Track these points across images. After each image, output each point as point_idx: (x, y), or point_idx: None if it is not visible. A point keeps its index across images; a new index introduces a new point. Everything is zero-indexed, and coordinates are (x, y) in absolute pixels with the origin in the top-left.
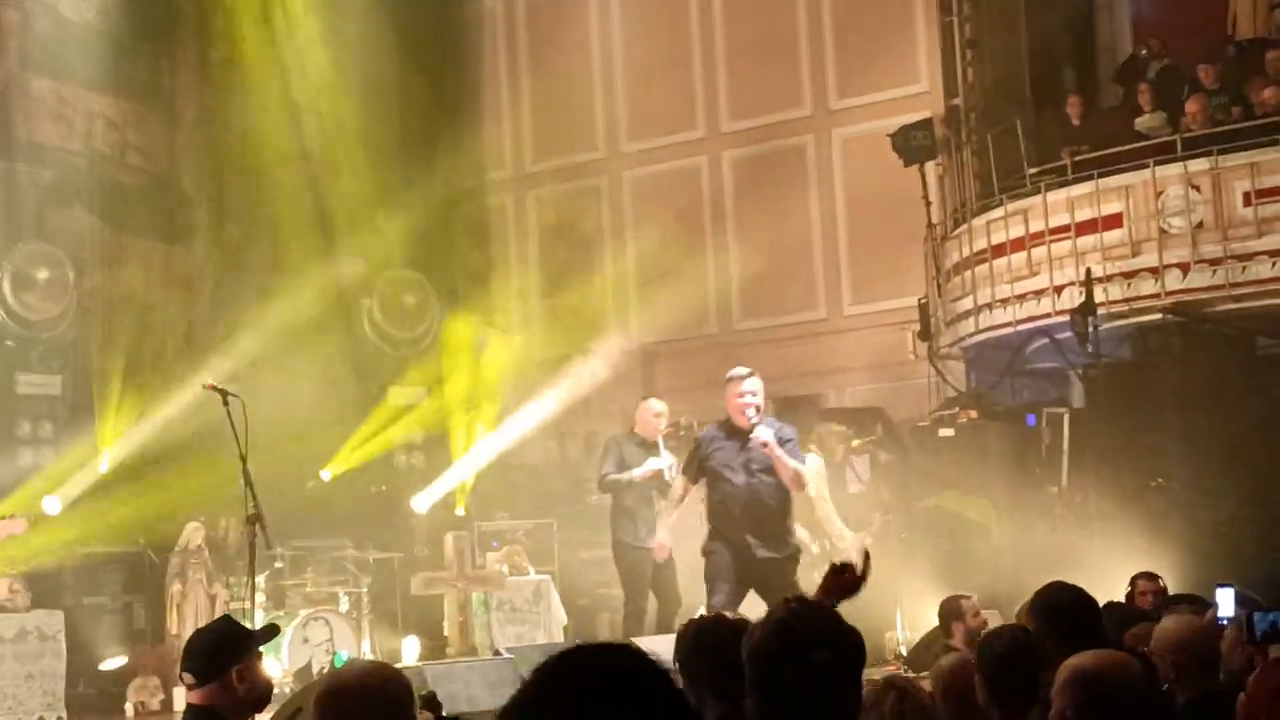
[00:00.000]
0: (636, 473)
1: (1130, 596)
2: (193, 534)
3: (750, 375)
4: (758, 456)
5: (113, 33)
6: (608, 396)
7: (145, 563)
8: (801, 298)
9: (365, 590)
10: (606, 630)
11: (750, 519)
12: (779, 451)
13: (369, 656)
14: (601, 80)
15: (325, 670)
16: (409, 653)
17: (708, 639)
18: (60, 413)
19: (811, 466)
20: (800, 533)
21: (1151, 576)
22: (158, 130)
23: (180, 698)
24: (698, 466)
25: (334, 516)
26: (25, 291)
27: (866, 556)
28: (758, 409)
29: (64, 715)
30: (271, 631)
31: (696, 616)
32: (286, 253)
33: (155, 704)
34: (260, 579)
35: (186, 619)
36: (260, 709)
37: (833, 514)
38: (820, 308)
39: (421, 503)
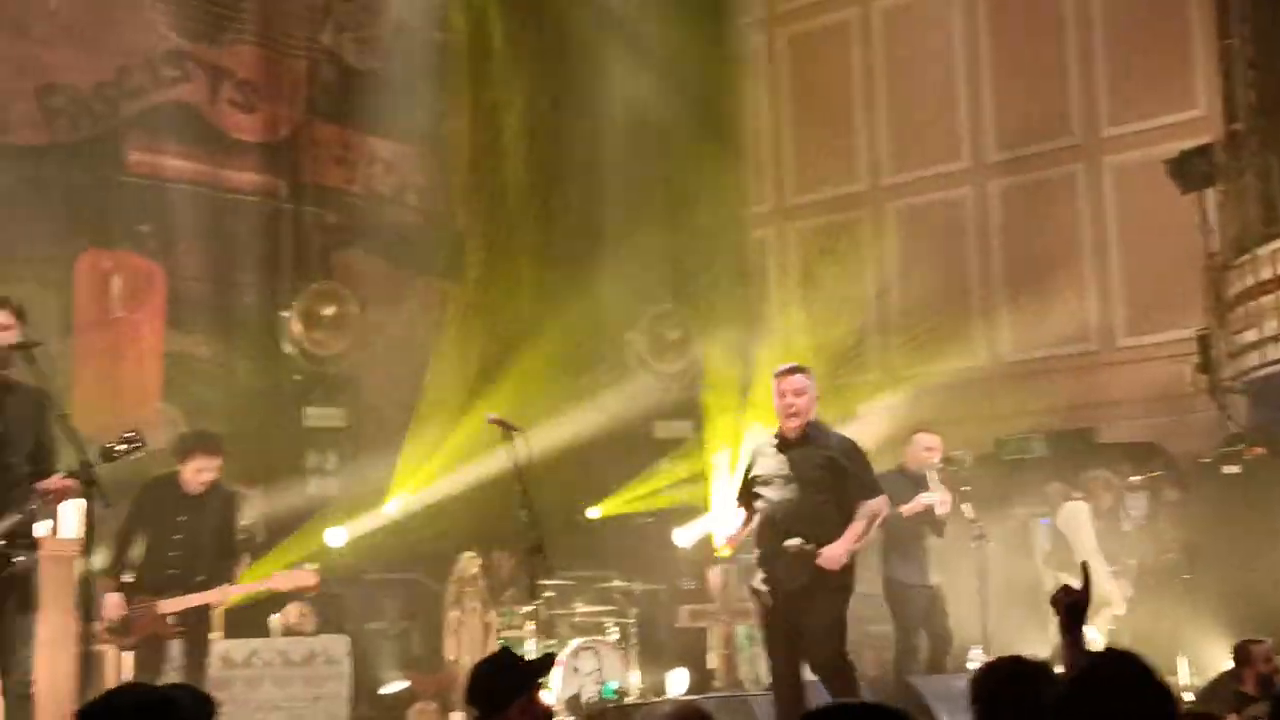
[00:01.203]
0: (906, 508)
1: None
2: (469, 563)
3: (792, 371)
4: (806, 462)
5: (392, 79)
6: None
7: (422, 590)
8: (1072, 330)
9: (632, 621)
10: (872, 667)
11: (785, 554)
12: (843, 546)
13: (638, 687)
14: (863, 112)
15: (594, 700)
16: (677, 685)
17: (1007, 682)
18: (344, 445)
19: (1075, 513)
20: (1059, 576)
21: None
22: (434, 171)
23: None
24: (745, 486)
25: (600, 547)
26: (313, 328)
27: (1086, 574)
28: (795, 413)
29: None
30: (548, 663)
31: (994, 658)
32: (555, 288)
33: None
34: (530, 607)
35: (463, 645)
36: None
37: (1098, 563)
38: (1091, 339)
39: (683, 537)
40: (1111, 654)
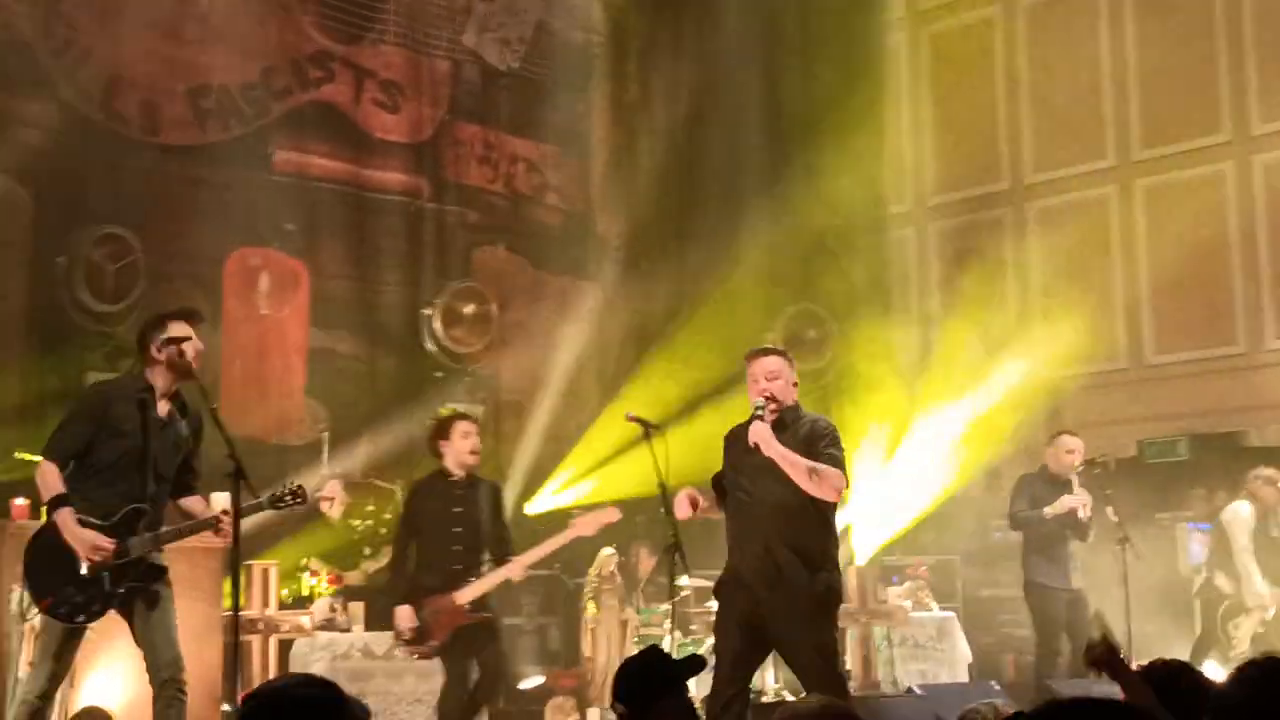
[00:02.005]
0: (1049, 511)
1: None
2: (607, 560)
3: (765, 353)
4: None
5: (533, 79)
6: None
7: (560, 586)
8: (1219, 332)
9: None
10: (1011, 670)
11: (760, 542)
12: (775, 445)
13: (773, 687)
14: (1006, 110)
15: None
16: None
17: (1160, 686)
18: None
19: (1238, 511)
20: (1220, 580)
21: None
22: (574, 171)
23: (594, 718)
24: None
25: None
26: (454, 327)
27: (1103, 625)
28: (770, 398)
29: None
30: (698, 664)
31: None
32: (693, 288)
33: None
34: (667, 605)
35: (599, 643)
36: None
37: (1251, 566)
38: (1239, 342)
39: None
40: (1271, 659)
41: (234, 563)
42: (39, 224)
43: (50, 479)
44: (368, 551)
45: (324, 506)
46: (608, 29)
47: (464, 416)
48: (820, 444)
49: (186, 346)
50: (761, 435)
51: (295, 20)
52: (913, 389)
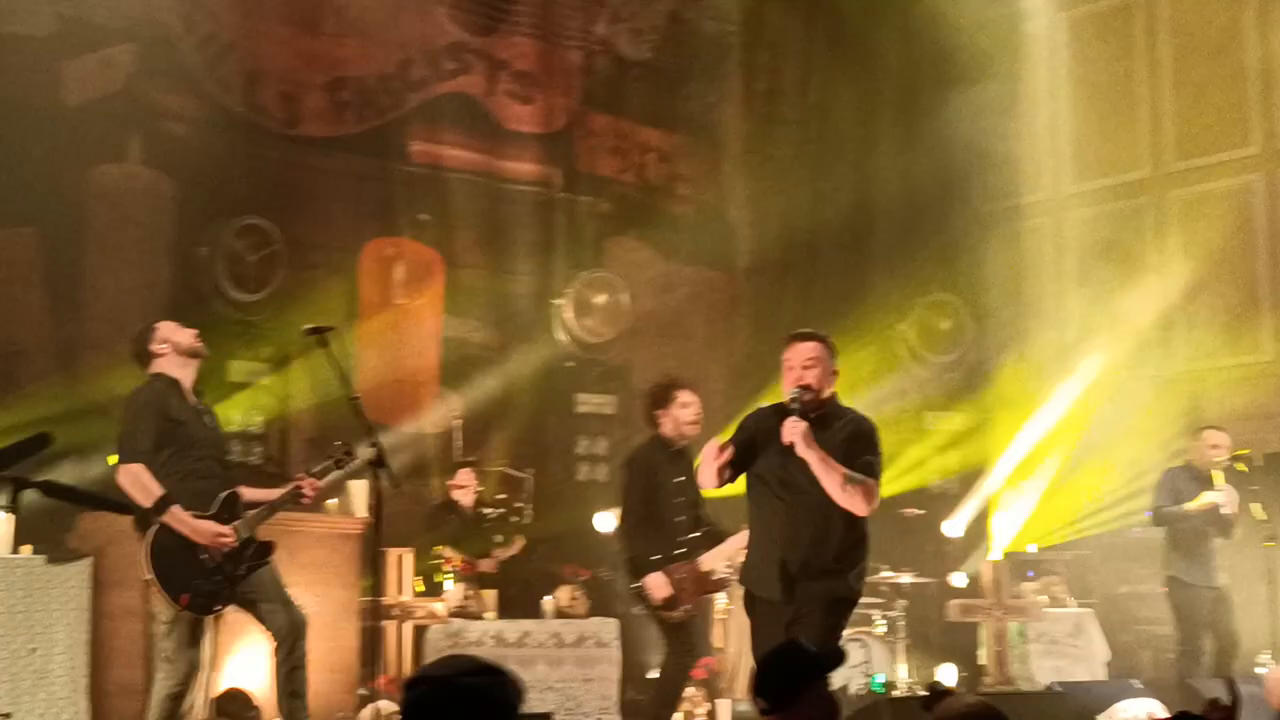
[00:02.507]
0: (1191, 506)
1: None
2: (739, 552)
3: (805, 338)
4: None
5: (665, 69)
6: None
7: None
8: None
9: (900, 614)
10: (1150, 668)
11: (792, 540)
12: (814, 448)
13: (906, 681)
14: (1149, 97)
15: (863, 693)
16: (945, 680)
17: None
18: (615, 431)
19: None
20: None
21: None
22: (705, 161)
23: (724, 710)
24: (747, 447)
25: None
26: (585, 316)
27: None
28: (806, 387)
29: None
30: (840, 657)
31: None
32: (823, 278)
33: (701, 714)
34: None
35: (731, 634)
36: None
37: None
38: None
39: (954, 528)
40: None
41: (373, 550)
42: (183, 215)
43: (145, 480)
44: (499, 539)
45: (456, 494)
46: (740, 18)
47: (684, 384)
48: (860, 448)
49: (184, 331)
50: (797, 434)
51: (430, 12)
52: (1049, 381)
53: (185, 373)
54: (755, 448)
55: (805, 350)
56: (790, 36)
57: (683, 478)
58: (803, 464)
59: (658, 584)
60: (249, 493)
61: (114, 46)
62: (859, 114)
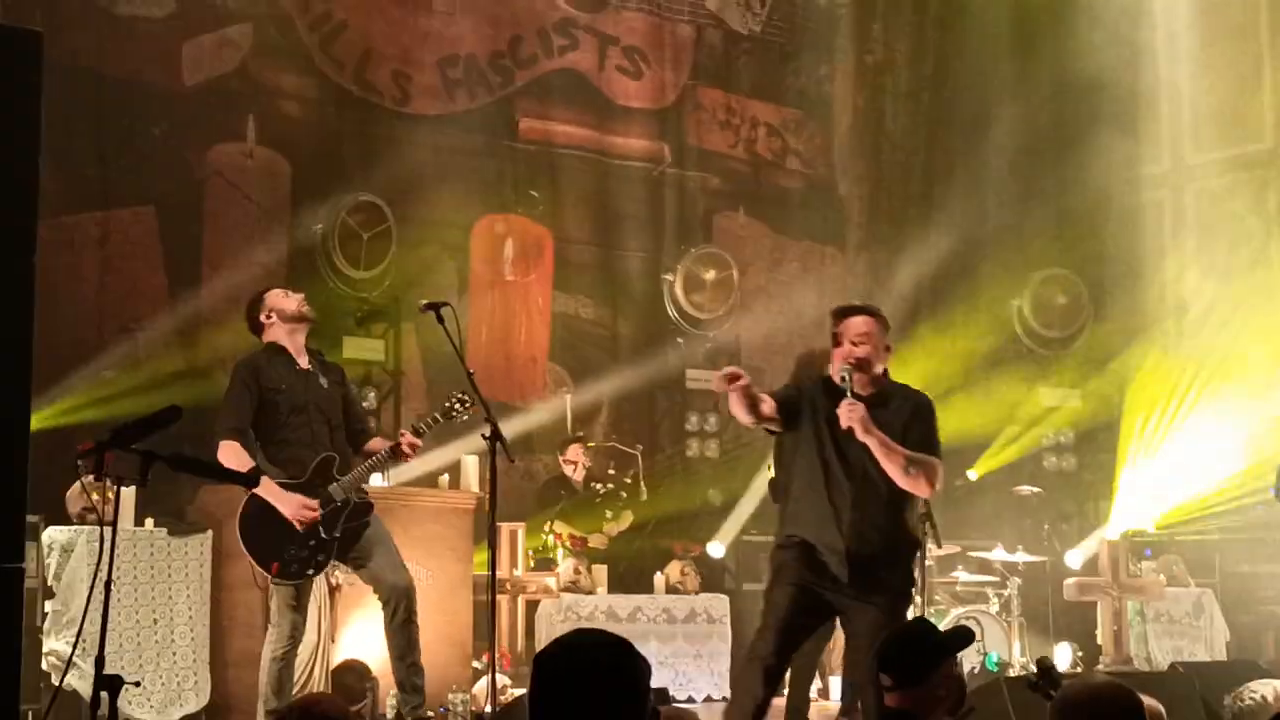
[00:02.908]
0: None
1: None
2: None
3: (857, 311)
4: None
5: (775, 43)
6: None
7: None
8: None
9: (1014, 592)
10: (1271, 650)
11: (847, 519)
12: (874, 432)
13: (1021, 660)
14: (1271, 67)
15: (976, 671)
16: (1060, 660)
17: None
18: (725, 407)
19: None
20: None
21: None
22: (816, 135)
23: (831, 686)
24: (792, 407)
25: (981, 516)
26: (695, 292)
27: None
28: (858, 363)
29: (729, 695)
30: (968, 637)
31: None
32: (937, 253)
33: (811, 692)
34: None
35: None
36: (955, 714)
37: None
38: None
39: (1068, 507)
40: None
41: (490, 524)
42: (297, 193)
43: (238, 454)
44: (609, 514)
45: (567, 469)
46: None
47: None
48: (921, 428)
49: (290, 299)
50: (855, 418)
51: None
52: (1169, 358)
53: (294, 339)
54: (799, 415)
55: (857, 325)
56: (902, 8)
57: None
58: (864, 448)
59: None
60: (372, 445)
61: (230, 27)
62: (972, 85)
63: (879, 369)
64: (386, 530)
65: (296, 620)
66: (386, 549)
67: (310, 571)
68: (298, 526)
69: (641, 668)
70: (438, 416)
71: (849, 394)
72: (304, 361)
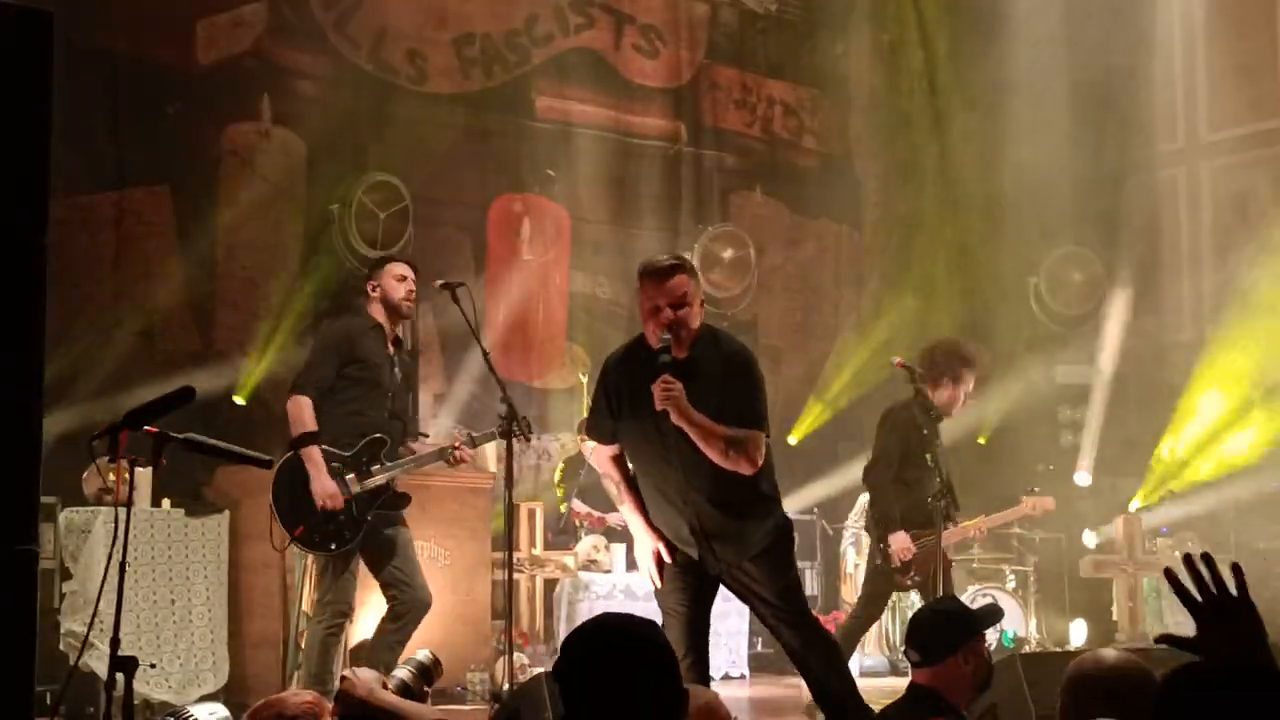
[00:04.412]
0: None
1: None
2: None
3: (671, 271)
4: (699, 391)
5: (791, 21)
6: None
7: (819, 532)
8: None
9: (1031, 569)
10: None
11: (681, 505)
12: (690, 414)
13: (1036, 637)
14: None
15: (992, 647)
16: (1076, 636)
17: None
18: None
19: None
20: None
21: None
22: (832, 114)
23: (853, 665)
24: (608, 414)
25: (997, 493)
26: (712, 271)
27: None
28: (676, 324)
29: (746, 672)
30: (997, 614)
31: None
32: (953, 231)
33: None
34: None
35: (860, 588)
36: (982, 691)
37: None
38: None
39: (1085, 479)
40: None
41: (507, 503)
42: (312, 172)
43: (304, 414)
44: None
45: (585, 450)
46: None
47: (974, 365)
48: (738, 391)
49: (400, 286)
50: (670, 402)
51: None
52: (1187, 335)
53: (390, 321)
54: (619, 417)
55: (674, 287)
56: None
57: (939, 441)
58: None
59: (902, 544)
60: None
61: (244, 6)
62: (987, 64)
63: (695, 325)
64: (408, 532)
65: (352, 583)
66: (413, 560)
67: (333, 545)
68: (317, 505)
69: (670, 649)
70: (495, 433)
71: (667, 365)
72: (392, 348)
